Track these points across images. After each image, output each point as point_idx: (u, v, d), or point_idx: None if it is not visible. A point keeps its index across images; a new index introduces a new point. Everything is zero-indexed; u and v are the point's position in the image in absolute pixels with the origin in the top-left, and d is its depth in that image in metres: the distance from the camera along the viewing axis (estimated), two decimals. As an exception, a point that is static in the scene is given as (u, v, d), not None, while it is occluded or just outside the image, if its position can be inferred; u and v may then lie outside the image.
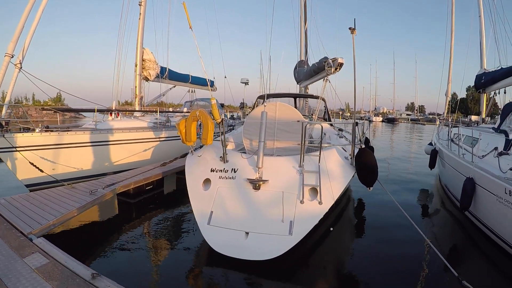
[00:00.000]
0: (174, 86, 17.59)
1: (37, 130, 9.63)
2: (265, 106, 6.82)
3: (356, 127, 6.75)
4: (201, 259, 5.82)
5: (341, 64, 7.86)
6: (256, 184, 5.72)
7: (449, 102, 15.98)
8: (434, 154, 10.92)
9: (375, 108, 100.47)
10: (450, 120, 16.08)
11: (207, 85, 19.12)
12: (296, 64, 15.35)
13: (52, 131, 9.98)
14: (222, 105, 18.90)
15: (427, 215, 8.88)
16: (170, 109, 17.61)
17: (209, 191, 5.90)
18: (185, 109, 17.14)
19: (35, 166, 8.77)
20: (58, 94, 53.91)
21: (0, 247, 5.07)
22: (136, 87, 14.35)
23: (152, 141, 12.41)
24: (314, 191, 5.65)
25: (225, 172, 6.05)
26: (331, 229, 6.84)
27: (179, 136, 13.33)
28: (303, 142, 6.02)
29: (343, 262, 6.12)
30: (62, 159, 10.12)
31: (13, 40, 9.23)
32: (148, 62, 14.64)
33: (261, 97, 11.19)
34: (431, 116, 73.70)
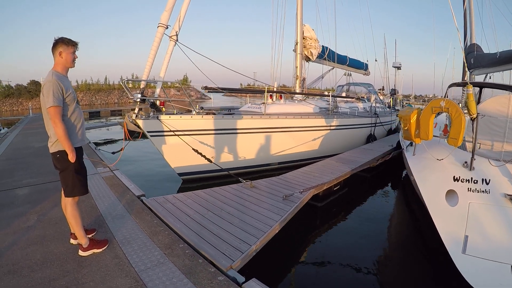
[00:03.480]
0: (333, 68, 14.65)
1: (194, 112, 7.57)
2: None
3: None
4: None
5: None
6: None
7: None
8: None
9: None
10: None
11: (363, 68, 16.13)
12: (470, 48, 11.38)
13: (214, 113, 7.84)
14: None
15: None
16: (326, 93, 14.87)
17: (458, 207, 4.47)
18: (343, 94, 14.20)
19: (200, 154, 6.92)
20: (185, 76, 55.18)
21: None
22: (297, 67, 11.76)
23: (323, 129, 9.69)
24: None
25: (474, 183, 4.61)
26: None
27: (351, 125, 11.14)
28: None
29: None
30: (223, 146, 8.01)
31: (167, 9, 7.22)
32: (309, 40, 11.99)
33: (454, 85, 9.03)
34: None
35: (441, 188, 4.70)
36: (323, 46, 12.75)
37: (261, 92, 9.23)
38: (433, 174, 5.01)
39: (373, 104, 13.15)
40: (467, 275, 3.93)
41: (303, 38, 11.78)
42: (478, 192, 4.57)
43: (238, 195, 5.33)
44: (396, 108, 17.10)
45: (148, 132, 7.06)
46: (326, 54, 12.81)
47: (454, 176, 4.73)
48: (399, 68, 18.33)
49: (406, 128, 5.31)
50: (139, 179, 7.51)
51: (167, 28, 7.25)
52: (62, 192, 3.28)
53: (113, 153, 8.92)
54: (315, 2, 16.91)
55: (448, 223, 4.40)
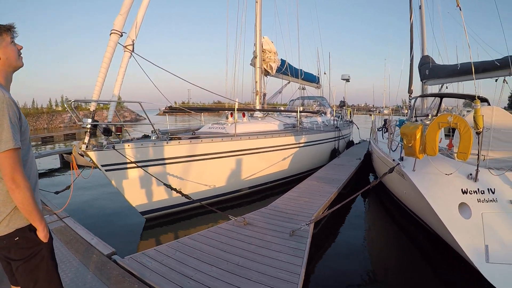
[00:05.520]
0: (289, 82, 14.18)
1: (153, 138, 6.52)
2: None
3: None
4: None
5: None
6: None
7: None
8: None
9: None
10: None
11: (315, 82, 15.99)
12: (424, 59, 11.82)
13: (179, 138, 6.79)
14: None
15: None
16: (281, 108, 14.31)
17: (472, 219, 4.61)
18: (301, 108, 13.85)
19: (173, 188, 5.84)
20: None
21: None
22: (256, 82, 10.99)
23: (293, 147, 9.07)
24: None
25: (481, 193, 4.77)
26: None
27: (318, 141, 10.63)
28: None
29: None
30: (191, 175, 6.95)
31: (121, 13, 5.93)
32: (268, 53, 11.39)
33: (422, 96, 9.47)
34: None
35: (453, 202, 4.74)
36: (282, 60, 12.27)
37: (230, 110, 8.39)
38: (442, 189, 4.99)
39: (332, 117, 12.93)
40: (496, 283, 4.03)
41: (262, 51, 11.15)
42: (487, 202, 4.70)
43: (236, 237, 4.38)
44: (349, 120, 17.18)
45: (103, 166, 5.80)
46: (284, 68, 12.33)
47: (462, 189, 4.80)
48: (348, 80, 18.49)
49: (410, 144, 5.18)
50: (92, 225, 6.04)
51: (121, 35, 6.06)
52: None
53: (57, 192, 7.36)
54: (272, 13, 16.54)
55: (467, 235, 4.47)
